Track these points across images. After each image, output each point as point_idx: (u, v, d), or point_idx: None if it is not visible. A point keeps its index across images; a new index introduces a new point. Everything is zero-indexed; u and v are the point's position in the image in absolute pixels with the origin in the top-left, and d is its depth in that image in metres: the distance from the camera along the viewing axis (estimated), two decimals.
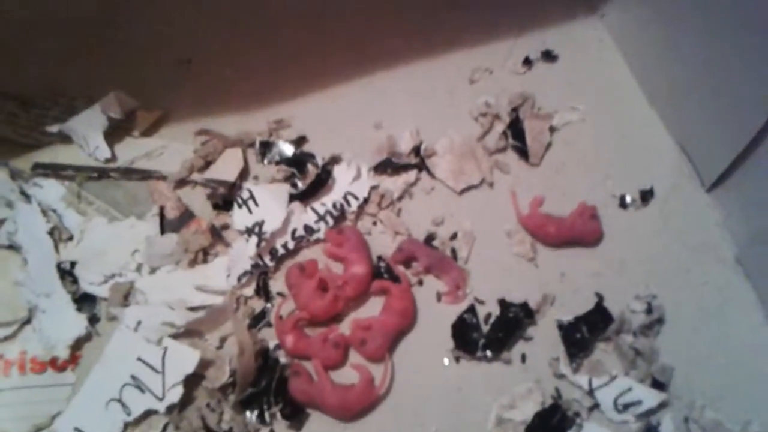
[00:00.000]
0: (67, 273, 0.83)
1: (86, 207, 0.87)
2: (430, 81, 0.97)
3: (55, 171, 0.89)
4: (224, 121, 0.93)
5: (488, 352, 0.79)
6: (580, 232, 0.86)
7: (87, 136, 0.89)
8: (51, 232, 0.85)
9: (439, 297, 0.84)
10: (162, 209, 0.86)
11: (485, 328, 0.82)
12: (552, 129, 0.94)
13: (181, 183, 0.89)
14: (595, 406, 0.77)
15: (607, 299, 0.83)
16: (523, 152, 0.93)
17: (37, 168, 0.89)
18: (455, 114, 0.96)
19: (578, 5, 1.04)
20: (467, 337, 0.81)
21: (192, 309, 0.82)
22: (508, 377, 0.78)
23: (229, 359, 0.77)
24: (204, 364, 0.76)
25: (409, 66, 1.00)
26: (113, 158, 0.89)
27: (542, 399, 0.77)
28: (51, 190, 0.88)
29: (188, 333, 0.79)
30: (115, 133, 0.91)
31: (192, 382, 0.76)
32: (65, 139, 0.90)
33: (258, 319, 0.83)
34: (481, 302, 0.84)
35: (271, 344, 0.81)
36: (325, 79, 0.98)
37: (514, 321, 0.81)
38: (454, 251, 0.87)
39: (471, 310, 0.83)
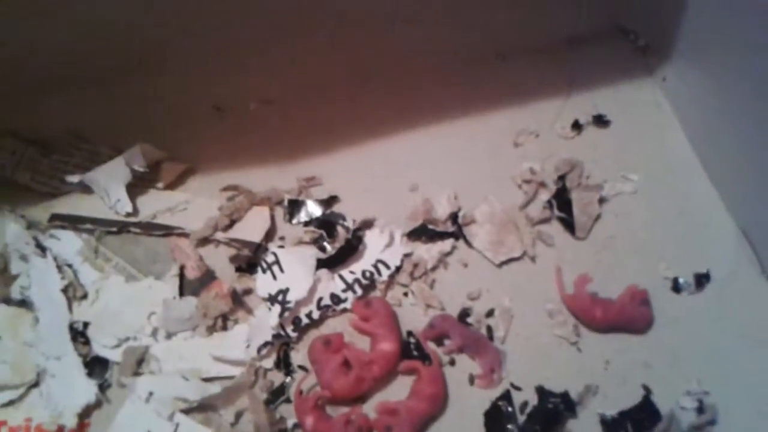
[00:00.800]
0: (79, 334, 0.79)
1: (103, 263, 0.83)
2: (472, 141, 0.94)
3: (73, 223, 0.86)
4: (253, 177, 0.89)
5: None
6: (629, 318, 0.81)
7: (109, 188, 0.86)
8: (65, 290, 0.81)
9: (472, 380, 0.79)
10: (182, 269, 0.82)
11: (521, 419, 0.76)
12: (601, 200, 0.89)
13: (204, 241, 0.85)
14: None
15: (655, 393, 0.77)
16: (568, 224, 0.88)
17: (54, 219, 0.86)
18: (497, 179, 0.92)
19: (635, 66, 0.99)
20: (501, 428, 0.75)
21: (207, 380, 0.77)
22: None
23: None
24: None
25: (450, 124, 0.96)
26: (134, 212, 0.86)
27: None
28: (68, 244, 0.85)
29: (202, 407, 0.75)
30: (138, 183, 0.88)
31: None
32: (85, 189, 0.87)
33: (277, 395, 0.78)
34: (518, 388, 0.79)
35: (290, 423, 0.76)
36: (360, 136, 0.94)
37: (553, 413, 0.76)
38: (489, 329, 0.82)
39: (506, 396, 0.77)
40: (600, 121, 0.95)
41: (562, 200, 0.89)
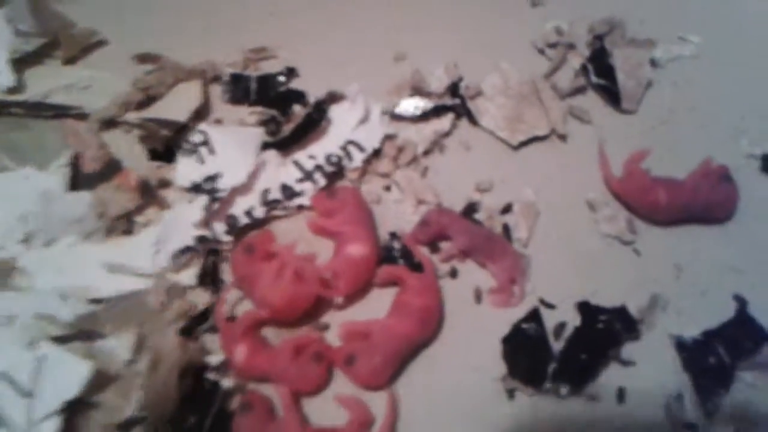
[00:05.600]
0: None
1: None
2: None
3: None
4: (182, 47, 0.69)
5: (563, 386, 0.51)
6: (705, 201, 0.59)
7: None
8: None
9: (479, 296, 0.57)
10: (76, 158, 0.59)
11: (557, 346, 0.53)
12: (653, 64, 0.68)
13: (109, 124, 0.65)
14: None
15: (753, 305, 0.55)
16: (611, 94, 0.68)
17: None
18: (511, 43, 0.71)
19: None
20: (528, 359, 0.53)
21: (96, 302, 0.53)
22: (595, 426, 0.50)
23: (142, 379, 0.49)
24: (99, 385, 0.50)
25: None
26: (20, 88, 0.66)
27: None
28: None
29: (83, 335, 0.52)
30: (28, 56, 0.68)
31: (77, 412, 0.50)
32: None
33: (198, 321, 0.56)
34: (550, 306, 0.57)
35: (213, 360, 0.52)
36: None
37: (604, 335, 0.53)
38: (507, 229, 0.61)
39: (534, 317, 0.56)
40: None
41: (600, 65, 0.69)
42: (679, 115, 0.65)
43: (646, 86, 0.66)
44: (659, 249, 0.58)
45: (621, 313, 0.54)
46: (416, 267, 0.57)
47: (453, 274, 0.57)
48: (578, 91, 0.66)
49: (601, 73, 0.66)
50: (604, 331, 0.52)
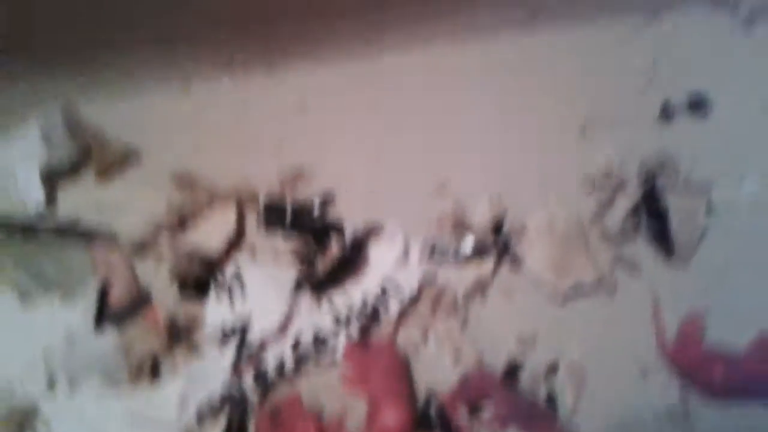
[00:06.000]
0: None
1: None
2: (525, 126, 0.69)
3: None
4: (217, 165, 0.66)
5: None
6: (763, 379, 0.55)
7: (15, 167, 0.63)
8: None
9: None
10: (104, 287, 0.56)
11: None
12: (710, 208, 0.64)
13: (142, 249, 0.62)
14: None
15: None
16: (663, 242, 0.63)
17: None
18: (558, 178, 0.67)
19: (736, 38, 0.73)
20: None
21: None
22: None
23: None
24: None
25: (492, 104, 0.70)
26: (50, 206, 0.64)
27: None
28: None
29: None
30: (60, 173, 0.66)
31: None
32: None
33: None
34: None
35: None
36: (366, 111, 0.69)
37: None
38: (551, 396, 0.57)
39: None
40: (697, 104, 0.69)
41: (652, 208, 0.64)
42: (736, 269, 0.61)
43: (701, 236, 0.63)
44: (714, 427, 0.54)
45: None
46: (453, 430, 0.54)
47: None
48: (628, 236, 0.63)
49: (653, 217, 0.63)
50: None
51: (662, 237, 0.63)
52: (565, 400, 0.56)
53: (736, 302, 0.60)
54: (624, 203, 0.65)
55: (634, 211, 0.64)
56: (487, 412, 0.54)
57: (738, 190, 0.66)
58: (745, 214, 0.65)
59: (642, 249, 0.63)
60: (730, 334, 0.58)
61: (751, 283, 0.61)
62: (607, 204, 0.65)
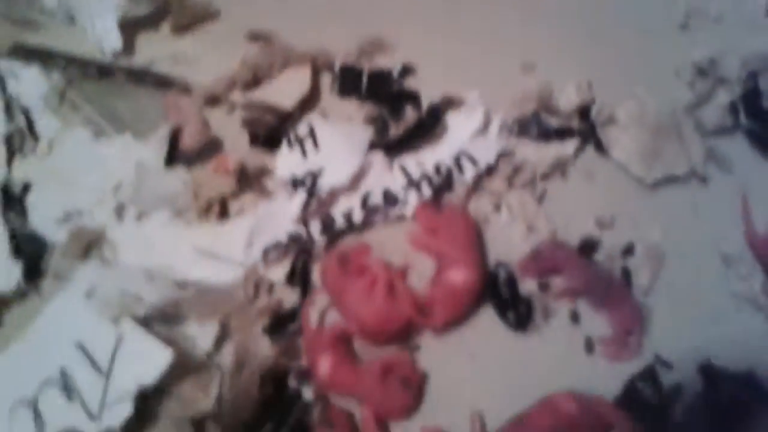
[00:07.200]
0: (14, 199, 0.62)
1: (70, 112, 0.66)
2: (620, 13, 0.71)
3: (41, 59, 0.69)
4: (295, 29, 0.70)
5: None
6: None
7: (95, 16, 0.68)
8: (9, 138, 0.63)
9: (591, 345, 0.56)
10: (176, 132, 0.63)
11: (676, 413, 0.53)
12: None
13: (214, 101, 0.67)
14: None
15: None
16: (761, 140, 0.65)
17: (17, 51, 0.67)
18: (653, 68, 0.69)
19: None
20: (640, 419, 0.52)
21: (181, 285, 0.54)
22: None
23: (221, 375, 0.52)
24: (178, 374, 0.52)
25: None
26: (126, 53, 0.69)
27: None
28: (30, 84, 0.68)
29: (165, 318, 0.55)
30: (138, 22, 0.70)
31: (152, 399, 0.52)
32: (67, 19, 0.70)
33: (283, 322, 0.57)
34: (667, 365, 0.56)
35: (296, 366, 0.54)
36: None
37: (731, 406, 0.52)
38: (627, 273, 0.60)
39: (649, 374, 0.55)
40: None
41: (752, 106, 0.66)
42: None
43: None
44: None
45: (750, 381, 0.52)
46: (521, 299, 0.57)
47: (575, 318, 0.57)
48: (725, 131, 0.65)
49: (752, 115, 0.65)
50: (731, 403, 0.51)
51: (759, 136, 0.65)
52: (640, 279, 0.58)
53: None
54: (722, 98, 0.66)
55: (733, 105, 0.66)
56: (559, 284, 0.57)
57: None
58: None
59: (737, 145, 0.65)
60: None
61: None
62: (705, 97, 0.67)
